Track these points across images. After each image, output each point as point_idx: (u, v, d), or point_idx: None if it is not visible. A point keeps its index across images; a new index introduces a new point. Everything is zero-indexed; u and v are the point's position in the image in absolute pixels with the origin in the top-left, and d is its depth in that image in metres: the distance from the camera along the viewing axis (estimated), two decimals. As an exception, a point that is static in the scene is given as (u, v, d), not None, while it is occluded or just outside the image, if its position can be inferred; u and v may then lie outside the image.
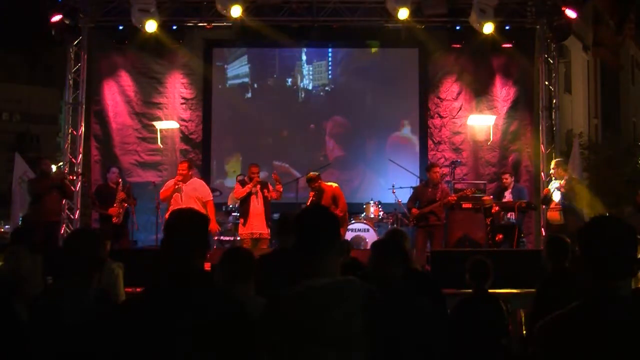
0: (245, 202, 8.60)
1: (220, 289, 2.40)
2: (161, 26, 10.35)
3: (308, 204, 8.54)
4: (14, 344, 2.89)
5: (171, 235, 2.38)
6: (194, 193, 8.34)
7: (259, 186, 8.60)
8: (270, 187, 8.82)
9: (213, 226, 8.41)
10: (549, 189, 9.14)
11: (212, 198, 8.60)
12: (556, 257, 4.22)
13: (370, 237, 9.25)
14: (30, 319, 2.79)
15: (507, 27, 10.69)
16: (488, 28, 10.12)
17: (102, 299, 2.80)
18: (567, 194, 8.70)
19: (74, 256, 2.79)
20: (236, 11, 9.90)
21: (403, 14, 9.96)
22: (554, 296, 3.87)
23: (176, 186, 8.27)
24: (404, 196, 9.58)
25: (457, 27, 10.83)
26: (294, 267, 2.17)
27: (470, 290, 4.31)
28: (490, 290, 4.31)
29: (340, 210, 8.45)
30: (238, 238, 9.06)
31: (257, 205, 8.59)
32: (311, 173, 8.89)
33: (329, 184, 8.96)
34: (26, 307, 2.94)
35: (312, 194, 8.83)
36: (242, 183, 8.78)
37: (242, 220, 8.67)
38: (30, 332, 2.74)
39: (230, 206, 9.83)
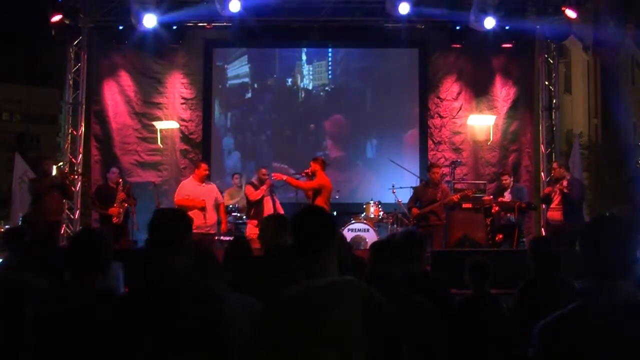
0: (259, 204, 8.63)
1: (203, 289, 2.40)
2: (161, 26, 10.36)
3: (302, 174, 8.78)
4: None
5: (153, 235, 2.38)
6: (211, 194, 8.47)
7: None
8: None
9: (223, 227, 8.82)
10: (550, 189, 9.12)
11: (223, 200, 8.93)
12: (539, 258, 4.21)
13: (370, 237, 9.23)
14: (32, 319, 2.78)
15: (507, 27, 10.69)
16: (489, 22, 10.10)
17: (106, 300, 2.79)
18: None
19: (77, 256, 2.78)
20: (235, 6, 9.88)
21: (404, 9, 9.94)
22: (537, 297, 3.87)
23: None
24: (404, 196, 9.58)
25: (457, 27, 10.83)
26: (292, 267, 2.17)
27: (470, 290, 4.30)
28: (490, 290, 4.31)
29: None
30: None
31: (270, 208, 8.63)
32: (320, 156, 9.07)
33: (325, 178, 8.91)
34: None
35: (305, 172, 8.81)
36: (253, 186, 8.83)
37: (255, 222, 8.57)
38: (32, 333, 2.74)
39: (230, 206, 9.83)
